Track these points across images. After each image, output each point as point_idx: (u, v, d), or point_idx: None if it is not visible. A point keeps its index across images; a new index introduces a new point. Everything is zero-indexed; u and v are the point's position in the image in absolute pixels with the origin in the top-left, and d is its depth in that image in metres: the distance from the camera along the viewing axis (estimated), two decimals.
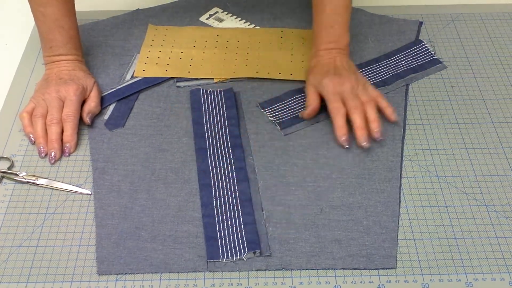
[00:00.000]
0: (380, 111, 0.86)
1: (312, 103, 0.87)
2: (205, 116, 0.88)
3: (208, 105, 0.90)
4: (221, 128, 0.87)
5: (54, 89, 0.87)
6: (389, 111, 0.87)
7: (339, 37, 0.89)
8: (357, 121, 0.83)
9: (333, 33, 0.89)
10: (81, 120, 0.88)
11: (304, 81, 0.93)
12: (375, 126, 0.83)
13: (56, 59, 0.91)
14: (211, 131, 0.86)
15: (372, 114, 0.84)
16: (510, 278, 0.71)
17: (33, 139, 0.85)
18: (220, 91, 0.92)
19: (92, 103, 0.88)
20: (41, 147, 0.84)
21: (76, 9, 1.10)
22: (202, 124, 0.87)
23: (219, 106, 0.90)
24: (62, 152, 0.84)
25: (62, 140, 0.85)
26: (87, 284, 0.71)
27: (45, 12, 0.88)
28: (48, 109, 0.86)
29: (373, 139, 0.84)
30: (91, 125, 0.88)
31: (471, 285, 0.70)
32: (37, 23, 0.90)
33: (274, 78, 0.95)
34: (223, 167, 0.82)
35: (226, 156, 0.83)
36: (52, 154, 0.83)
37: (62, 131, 0.85)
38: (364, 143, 0.83)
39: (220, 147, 0.84)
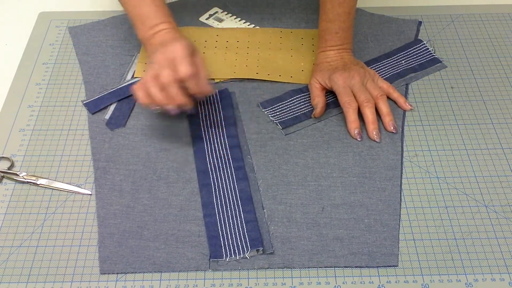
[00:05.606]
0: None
1: (319, 100, 0.88)
2: (202, 117, 0.88)
3: (204, 106, 0.90)
4: (218, 128, 0.87)
5: (159, 54, 0.80)
6: (402, 101, 0.90)
7: (344, 40, 0.91)
8: (369, 116, 0.85)
9: (338, 38, 0.90)
10: (80, 118, 0.88)
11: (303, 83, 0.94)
12: (389, 119, 0.86)
13: (151, 32, 0.84)
14: (208, 131, 0.86)
15: (384, 108, 0.87)
16: (510, 279, 0.71)
17: (156, 108, 0.80)
18: (215, 92, 0.92)
19: (202, 80, 0.80)
20: (173, 109, 0.79)
21: (76, 9, 1.10)
22: (199, 125, 0.87)
23: (215, 106, 0.90)
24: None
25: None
26: (87, 284, 0.71)
27: None
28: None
29: (389, 132, 0.87)
30: (92, 123, 0.88)
31: (471, 285, 0.70)
32: (123, 5, 0.87)
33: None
34: (222, 167, 0.82)
35: (224, 156, 0.83)
36: (185, 107, 0.80)
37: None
38: (376, 138, 0.85)
39: (218, 147, 0.84)
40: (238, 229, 0.75)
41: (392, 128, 0.86)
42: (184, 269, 0.72)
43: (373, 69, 0.95)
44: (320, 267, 0.72)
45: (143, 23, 0.85)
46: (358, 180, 0.81)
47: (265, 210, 0.78)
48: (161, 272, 0.72)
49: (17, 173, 0.81)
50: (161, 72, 0.78)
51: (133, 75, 0.95)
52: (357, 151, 0.84)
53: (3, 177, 0.81)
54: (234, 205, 0.78)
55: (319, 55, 0.93)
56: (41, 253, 0.74)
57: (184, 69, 0.77)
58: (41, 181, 0.81)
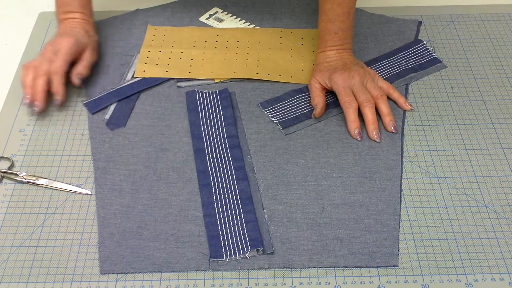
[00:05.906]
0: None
1: (319, 100, 0.88)
2: (202, 117, 0.88)
3: (204, 106, 0.90)
4: (218, 128, 0.87)
5: (50, 43, 0.91)
6: (402, 101, 0.90)
7: (344, 40, 0.91)
8: (369, 116, 0.85)
9: (338, 38, 0.91)
10: (80, 118, 0.88)
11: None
12: (389, 119, 0.86)
13: (63, 17, 0.94)
14: (208, 132, 0.86)
15: (384, 108, 0.87)
16: (510, 279, 0.71)
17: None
18: (215, 91, 0.92)
19: (79, 66, 0.90)
20: (26, 96, 0.87)
21: None
22: (199, 125, 0.87)
23: (215, 106, 0.90)
24: (46, 104, 0.88)
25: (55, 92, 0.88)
26: (87, 284, 0.71)
27: None
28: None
29: (389, 132, 0.86)
30: (92, 123, 0.88)
31: (471, 285, 0.70)
32: None
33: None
34: (222, 167, 0.82)
35: (224, 156, 0.83)
36: (35, 104, 0.87)
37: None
38: (376, 138, 0.85)
39: (218, 147, 0.84)
40: (238, 229, 0.75)
41: (392, 128, 0.86)
42: (184, 269, 0.72)
43: (373, 69, 0.95)
44: (320, 267, 0.72)
45: (60, 6, 0.94)
46: (358, 180, 0.81)
47: (265, 210, 0.78)
48: (161, 272, 0.72)
49: (17, 173, 0.81)
50: (41, 63, 0.87)
51: (133, 75, 0.95)
52: (357, 151, 0.84)
53: (3, 177, 0.81)
54: (234, 205, 0.78)
55: (319, 56, 0.93)
56: (41, 253, 0.74)
57: (56, 64, 0.87)
58: (41, 181, 0.81)
